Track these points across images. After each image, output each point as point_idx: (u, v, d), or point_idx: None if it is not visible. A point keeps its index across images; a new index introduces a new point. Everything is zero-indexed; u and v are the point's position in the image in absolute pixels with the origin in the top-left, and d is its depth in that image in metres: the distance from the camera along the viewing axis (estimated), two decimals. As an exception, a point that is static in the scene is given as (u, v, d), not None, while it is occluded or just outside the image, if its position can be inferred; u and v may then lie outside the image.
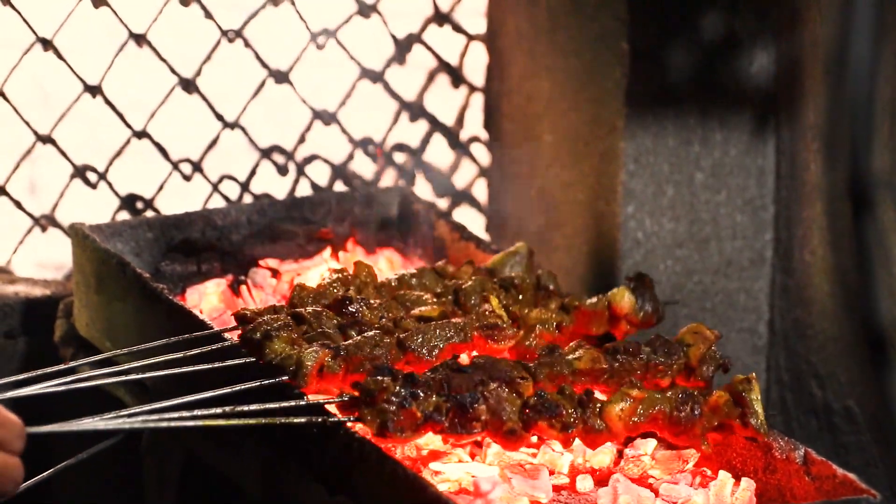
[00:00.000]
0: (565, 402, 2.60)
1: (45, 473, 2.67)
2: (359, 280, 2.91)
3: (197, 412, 2.43)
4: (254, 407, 2.48)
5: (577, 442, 2.73)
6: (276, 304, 2.81)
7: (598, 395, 2.68)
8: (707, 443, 2.70)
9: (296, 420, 2.50)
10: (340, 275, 2.90)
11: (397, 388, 2.51)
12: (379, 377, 2.51)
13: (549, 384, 2.68)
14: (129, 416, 2.40)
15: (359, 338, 2.67)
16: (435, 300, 2.89)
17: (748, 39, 3.53)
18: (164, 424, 2.42)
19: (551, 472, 2.67)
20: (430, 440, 2.69)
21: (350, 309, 2.77)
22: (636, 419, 2.65)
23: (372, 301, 2.82)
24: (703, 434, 2.69)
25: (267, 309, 2.76)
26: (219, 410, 2.45)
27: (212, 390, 2.50)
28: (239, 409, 2.46)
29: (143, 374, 2.65)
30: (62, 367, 2.55)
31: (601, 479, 2.70)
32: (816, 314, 3.50)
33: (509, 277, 2.98)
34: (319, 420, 2.51)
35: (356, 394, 2.53)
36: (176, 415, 2.42)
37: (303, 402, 2.53)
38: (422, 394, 2.51)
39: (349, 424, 2.53)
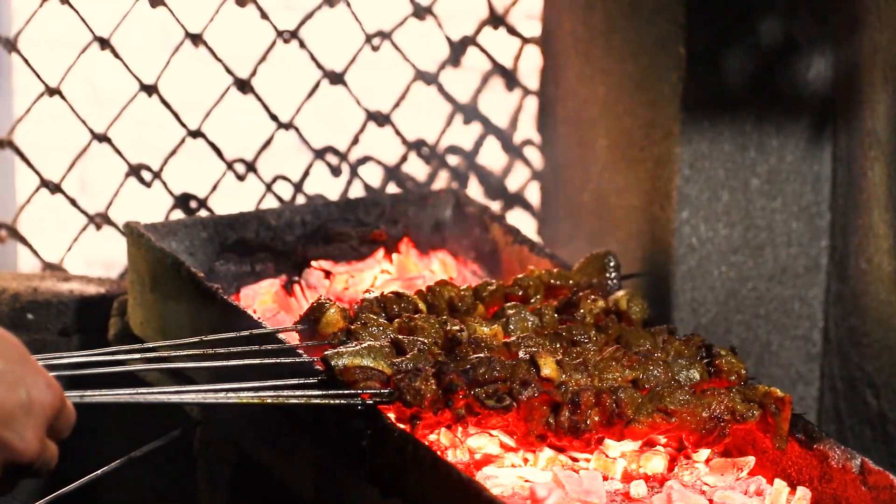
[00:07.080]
0: (594, 415, 2.61)
1: (97, 472, 2.67)
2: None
3: (233, 393, 2.45)
4: (297, 392, 2.51)
5: (632, 446, 2.73)
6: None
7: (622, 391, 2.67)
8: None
9: (332, 402, 2.53)
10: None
11: (435, 397, 2.56)
12: (419, 384, 2.55)
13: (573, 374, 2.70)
14: (175, 392, 2.41)
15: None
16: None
17: (806, 45, 3.50)
18: (190, 398, 2.43)
19: (605, 478, 2.66)
20: (483, 445, 2.69)
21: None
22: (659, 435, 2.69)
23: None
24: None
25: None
26: (253, 389, 2.47)
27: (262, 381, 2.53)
28: (279, 393, 2.49)
29: (191, 363, 2.70)
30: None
31: (655, 484, 2.69)
32: (872, 322, 3.47)
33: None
34: (355, 402, 2.54)
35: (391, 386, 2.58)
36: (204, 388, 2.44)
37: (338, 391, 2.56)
38: (458, 390, 2.56)
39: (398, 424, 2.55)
